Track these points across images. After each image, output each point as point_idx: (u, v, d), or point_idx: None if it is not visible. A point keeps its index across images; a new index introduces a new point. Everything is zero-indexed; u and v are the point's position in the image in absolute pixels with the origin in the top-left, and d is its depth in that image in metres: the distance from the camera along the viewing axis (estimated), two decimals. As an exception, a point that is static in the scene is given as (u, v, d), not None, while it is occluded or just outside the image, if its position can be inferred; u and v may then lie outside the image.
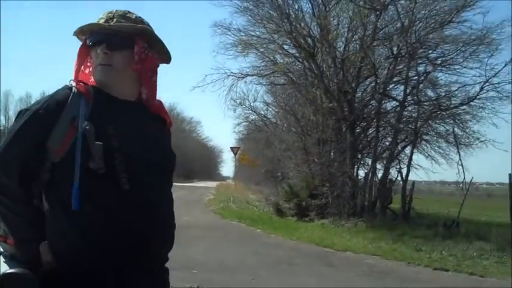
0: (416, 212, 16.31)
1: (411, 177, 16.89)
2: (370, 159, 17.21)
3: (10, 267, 1.69)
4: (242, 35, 19.04)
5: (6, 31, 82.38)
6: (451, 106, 16.54)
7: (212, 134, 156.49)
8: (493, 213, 18.79)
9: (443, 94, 16.86)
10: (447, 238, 11.94)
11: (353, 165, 17.07)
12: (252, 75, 20.44)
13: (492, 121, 16.11)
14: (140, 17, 1.92)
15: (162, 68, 2.00)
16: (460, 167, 15.45)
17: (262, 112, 24.82)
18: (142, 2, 55.57)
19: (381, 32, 16.57)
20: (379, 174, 16.49)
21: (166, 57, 2.01)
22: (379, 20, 16.17)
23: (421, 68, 16.54)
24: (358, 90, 17.73)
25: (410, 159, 16.44)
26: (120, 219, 1.73)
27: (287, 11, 17.02)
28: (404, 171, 16.54)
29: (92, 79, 1.89)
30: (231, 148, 29.33)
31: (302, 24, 17.36)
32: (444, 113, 16.72)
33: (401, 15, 15.73)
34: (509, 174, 13.28)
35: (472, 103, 16.25)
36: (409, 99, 16.80)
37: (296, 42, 17.29)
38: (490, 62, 15.40)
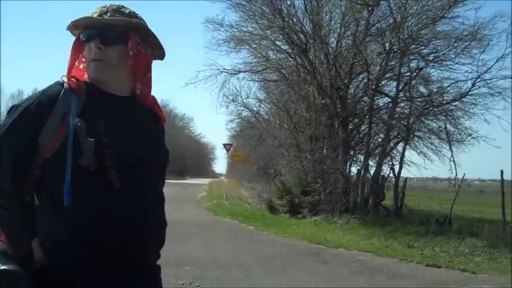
0: (408, 208, 16.33)
1: (403, 173, 16.94)
2: (363, 156, 17.23)
3: (2, 264, 1.67)
4: (234, 31, 19.07)
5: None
6: (443, 102, 16.62)
7: (205, 130, 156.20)
8: (485, 210, 18.84)
9: (435, 90, 16.93)
10: (439, 235, 11.99)
11: (345, 161, 17.13)
12: (244, 71, 20.42)
13: (484, 117, 16.20)
14: (134, 12, 1.90)
15: (154, 64, 1.97)
16: (452, 164, 15.50)
17: (255, 109, 24.71)
18: (134, -2, 55.25)
19: (373, 27, 16.61)
20: (372, 171, 16.53)
21: (160, 53, 1.99)
22: (372, 16, 16.21)
23: (413, 64, 16.58)
24: (350, 86, 17.77)
25: (403, 155, 16.50)
26: (111, 216, 1.72)
27: (279, 7, 16.98)
28: (396, 167, 16.59)
29: (86, 74, 1.87)
30: (224, 145, 29.34)
31: (294, 20, 17.35)
32: (436, 109, 16.77)
33: (394, 11, 15.77)
34: (501, 171, 13.36)
35: (464, 99, 16.38)
36: (402, 95, 16.86)
37: (288, 38, 17.28)
38: (482, 57, 15.53)
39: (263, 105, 25.17)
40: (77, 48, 1.91)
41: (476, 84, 15.64)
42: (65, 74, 1.87)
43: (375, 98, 17.40)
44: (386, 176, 16.95)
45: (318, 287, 7.28)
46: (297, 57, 18.27)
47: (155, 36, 1.92)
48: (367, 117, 17.29)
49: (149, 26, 1.90)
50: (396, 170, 16.46)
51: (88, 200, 1.71)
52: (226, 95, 21.56)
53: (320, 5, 16.99)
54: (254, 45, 19.17)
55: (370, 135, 17.22)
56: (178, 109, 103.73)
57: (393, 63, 16.86)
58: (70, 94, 1.76)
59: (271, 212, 18.00)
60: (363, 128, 18.50)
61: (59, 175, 1.68)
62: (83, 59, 1.90)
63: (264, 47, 19.16)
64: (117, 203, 1.73)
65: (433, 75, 17.53)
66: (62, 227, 1.70)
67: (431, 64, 16.72)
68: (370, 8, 15.77)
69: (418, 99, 17.08)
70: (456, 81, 16.40)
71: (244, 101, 23.39)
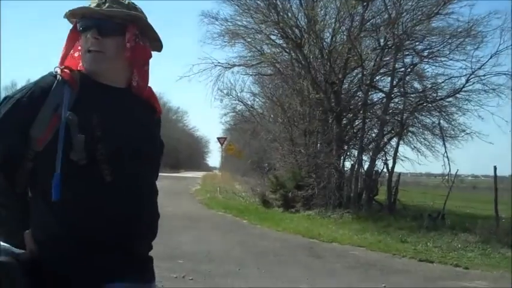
0: (401, 203, 16.40)
1: (397, 169, 17.03)
2: (357, 151, 17.25)
3: None
4: (229, 25, 19.06)
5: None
6: (437, 98, 16.64)
7: (199, 124, 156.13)
8: (478, 206, 18.95)
9: (429, 86, 16.97)
10: (432, 230, 12.05)
11: (339, 156, 17.15)
12: (239, 65, 20.39)
13: (478, 113, 16.21)
14: (133, 3, 1.87)
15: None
16: (446, 159, 15.57)
17: (249, 102, 24.68)
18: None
19: (368, 23, 16.63)
20: (365, 166, 16.59)
21: (157, 45, 1.97)
22: (367, 11, 16.25)
23: (407, 60, 16.64)
24: (345, 81, 17.77)
25: (396, 151, 16.57)
26: (102, 210, 1.71)
27: (274, 1, 16.98)
28: (390, 163, 16.68)
29: (81, 64, 1.85)
30: (218, 138, 29.24)
31: (289, 14, 17.34)
32: (430, 105, 16.81)
33: (389, 7, 15.81)
34: (494, 167, 13.40)
35: (458, 95, 16.40)
36: (396, 91, 16.87)
37: (283, 32, 17.28)
38: (476, 54, 15.54)
39: (257, 99, 25.18)
40: (73, 37, 1.88)
41: (470, 80, 15.67)
42: (58, 64, 1.84)
43: (369, 93, 17.42)
44: (380, 171, 17.06)
45: (311, 281, 7.29)
46: (291, 52, 18.27)
47: (153, 29, 1.90)
48: (361, 112, 17.29)
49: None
50: (390, 165, 16.57)
51: (79, 194, 1.69)
52: (221, 89, 21.55)
53: (315, -1, 16.97)
54: (249, 39, 19.16)
55: (364, 130, 17.24)
56: (173, 102, 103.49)
57: (387, 58, 16.86)
58: (63, 85, 1.74)
59: (265, 206, 18.03)
60: (356, 123, 18.51)
61: (50, 168, 1.66)
62: (79, 47, 1.87)
63: (259, 41, 19.13)
64: (109, 197, 1.71)
65: (427, 71, 17.60)
66: (53, 220, 1.69)
67: (426, 60, 16.78)
68: (365, 4, 15.79)
69: (412, 95, 17.10)
70: (450, 77, 16.46)
71: (239, 94, 23.38)
